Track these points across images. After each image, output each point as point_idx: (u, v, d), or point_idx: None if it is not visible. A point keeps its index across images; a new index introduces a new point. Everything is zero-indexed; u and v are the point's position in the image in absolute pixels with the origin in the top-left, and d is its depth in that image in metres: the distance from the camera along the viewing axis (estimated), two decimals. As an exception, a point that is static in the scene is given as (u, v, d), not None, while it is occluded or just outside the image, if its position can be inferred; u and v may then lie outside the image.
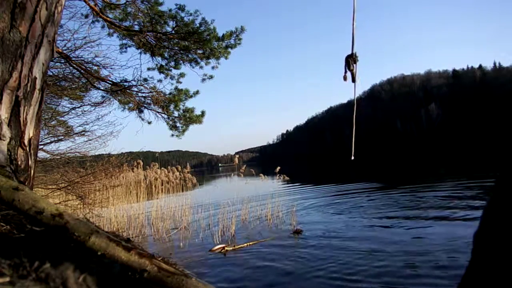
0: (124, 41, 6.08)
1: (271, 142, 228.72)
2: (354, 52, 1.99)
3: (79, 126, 6.65)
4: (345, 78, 2.05)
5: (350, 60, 2.02)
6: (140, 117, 6.54)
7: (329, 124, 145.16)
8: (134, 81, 6.01)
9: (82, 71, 5.56)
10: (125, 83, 5.98)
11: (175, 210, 8.18)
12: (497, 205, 0.55)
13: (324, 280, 3.73)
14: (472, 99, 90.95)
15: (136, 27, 5.88)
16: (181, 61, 6.29)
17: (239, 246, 5.37)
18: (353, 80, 2.05)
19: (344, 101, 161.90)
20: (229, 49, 6.05)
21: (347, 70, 2.04)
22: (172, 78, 6.44)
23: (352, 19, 2.00)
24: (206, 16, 5.78)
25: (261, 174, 8.75)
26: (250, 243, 5.52)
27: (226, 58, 6.17)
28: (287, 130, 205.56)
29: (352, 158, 2.21)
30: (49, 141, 6.39)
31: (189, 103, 9.46)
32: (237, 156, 9.40)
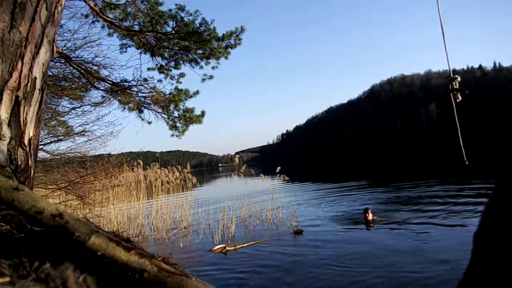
0: (124, 41, 6.08)
1: (271, 142, 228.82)
2: (451, 74, 2.01)
3: (79, 126, 6.65)
4: (451, 90, 2.06)
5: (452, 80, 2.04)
6: (140, 117, 6.54)
7: (329, 124, 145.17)
8: (134, 81, 6.01)
9: (82, 71, 5.55)
10: (125, 83, 5.98)
11: (175, 210, 8.18)
12: (497, 205, 0.55)
13: (325, 280, 3.73)
14: (472, 99, 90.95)
15: (136, 27, 5.88)
16: (181, 61, 6.29)
17: (240, 246, 5.36)
18: (454, 96, 2.05)
19: (344, 101, 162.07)
20: (229, 49, 6.04)
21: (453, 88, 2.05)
22: (172, 78, 6.44)
23: (443, 37, 2.01)
24: (206, 16, 5.77)
25: (261, 174, 8.76)
26: (251, 243, 5.52)
27: (226, 58, 6.16)
28: (287, 130, 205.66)
29: (466, 162, 2.14)
30: (49, 141, 6.39)
31: (189, 103, 9.46)
32: (237, 156, 9.40)
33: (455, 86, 1.97)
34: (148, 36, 5.87)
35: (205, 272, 4.38)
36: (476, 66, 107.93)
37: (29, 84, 0.90)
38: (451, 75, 1.99)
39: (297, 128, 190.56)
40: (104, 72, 6.01)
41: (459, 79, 1.97)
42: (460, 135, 2.10)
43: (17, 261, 0.53)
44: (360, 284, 3.53)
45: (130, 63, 11.37)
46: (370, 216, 6.25)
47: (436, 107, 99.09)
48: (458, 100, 1.98)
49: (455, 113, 2.13)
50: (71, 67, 5.54)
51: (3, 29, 0.80)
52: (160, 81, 6.39)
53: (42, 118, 1.21)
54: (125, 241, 0.71)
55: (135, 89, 6.16)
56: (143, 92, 6.24)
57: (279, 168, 8.55)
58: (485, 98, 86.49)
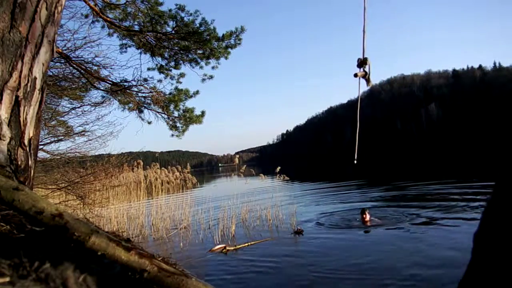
0: (124, 41, 6.08)
1: (271, 142, 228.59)
2: (365, 56, 1.89)
3: (79, 126, 6.65)
4: (356, 75, 1.93)
5: (363, 64, 1.90)
6: (140, 117, 6.55)
7: (329, 124, 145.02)
8: (134, 81, 6.01)
9: (82, 71, 5.55)
10: (125, 83, 5.98)
11: (175, 210, 8.18)
12: (497, 205, 0.55)
13: (325, 281, 3.73)
14: (472, 99, 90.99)
15: (136, 27, 5.88)
16: (181, 61, 6.29)
17: (240, 246, 5.36)
18: (367, 83, 1.93)
19: (344, 101, 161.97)
20: (229, 49, 6.04)
21: (360, 70, 1.92)
22: (172, 78, 6.44)
23: (363, 22, 1.92)
24: (206, 16, 5.77)
25: (261, 174, 8.75)
26: (251, 243, 5.52)
27: (226, 58, 6.17)
28: (287, 130, 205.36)
29: (355, 162, 2.09)
30: (49, 141, 6.39)
31: (189, 103, 9.45)
32: (237, 156, 9.39)
33: (365, 69, 1.87)
34: (148, 36, 5.87)
35: (205, 272, 4.38)
36: (476, 66, 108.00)
37: (29, 84, 0.90)
38: (362, 58, 1.88)
39: (297, 128, 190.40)
40: (104, 72, 6.01)
41: (370, 62, 1.87)
42: (357, 132, 2.01)
43: (17, 261, 0.53)
44: (359, 285, 3.54)
45: (130, 63, 11.32)
46: (367, 217, 6.24)
47: (437, 107, 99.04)
48: (368, 86, 1.89)
49: (359, 104, 2.06)
50: (71, 67, 5.55)
51: (3, 29, 0.80)
52: (160, 81, 6.40)
53: (42, 118, 1.21)
54: (125, 241, 0.71)
55: (135, 89, 6.16)
56: (143, 92, 6.25)
57: (279, 168, 8.54)
58: (485, 98, 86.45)
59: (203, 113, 6.54)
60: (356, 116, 2.11)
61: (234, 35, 5.88)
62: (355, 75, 1.87)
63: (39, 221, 0.64)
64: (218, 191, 13.90)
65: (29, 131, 0.94)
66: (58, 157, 6.52)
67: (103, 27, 5.86)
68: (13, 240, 0.64)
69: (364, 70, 1.87)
